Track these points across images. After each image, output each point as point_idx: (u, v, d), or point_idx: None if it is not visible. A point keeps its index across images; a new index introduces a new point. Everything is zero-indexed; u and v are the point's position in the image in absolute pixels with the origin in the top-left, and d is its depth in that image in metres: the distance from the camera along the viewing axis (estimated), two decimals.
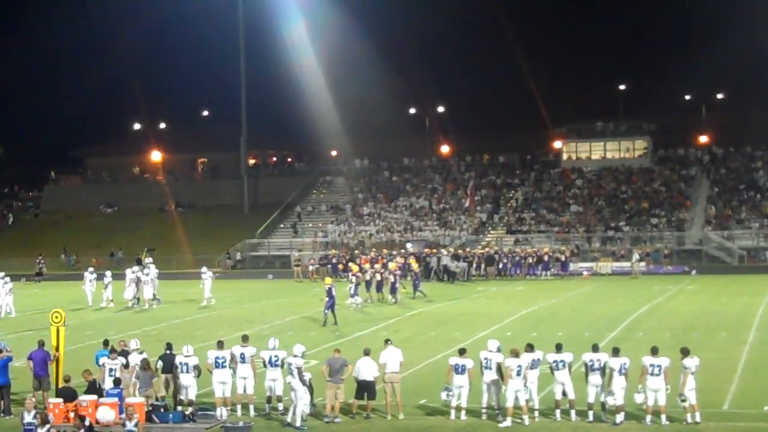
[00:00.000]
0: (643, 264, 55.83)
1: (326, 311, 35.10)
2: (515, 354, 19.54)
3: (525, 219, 68.82)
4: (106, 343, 22.36)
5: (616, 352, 19.45)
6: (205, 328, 34.16)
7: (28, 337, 30.04)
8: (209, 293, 43.61)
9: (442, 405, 20.10)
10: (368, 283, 42.54)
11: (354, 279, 41.63)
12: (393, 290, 42.27)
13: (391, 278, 42.49)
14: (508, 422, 19.26)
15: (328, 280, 37.11)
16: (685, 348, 19.40)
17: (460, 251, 56.73)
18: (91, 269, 46.30)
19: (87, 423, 17.44)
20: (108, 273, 45.10)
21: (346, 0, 79.15)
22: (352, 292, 41.05)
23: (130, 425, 17.52)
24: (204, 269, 45.10)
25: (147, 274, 43.64)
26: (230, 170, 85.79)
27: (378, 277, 42.93)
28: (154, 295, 43.58)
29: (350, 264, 47.74)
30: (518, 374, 19.28)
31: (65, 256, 68.82)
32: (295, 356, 19.80)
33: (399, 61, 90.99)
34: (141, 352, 21.20)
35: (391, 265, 44.22)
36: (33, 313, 40.44)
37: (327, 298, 35.20)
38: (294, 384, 19.52)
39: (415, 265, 46.13)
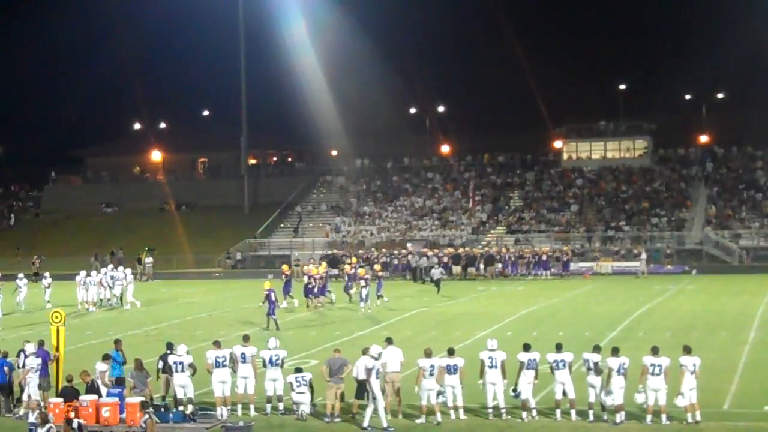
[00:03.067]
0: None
1: (268, 316, 33.71)
2: (428, 354, 19.87)
3: (525, 219, 68.83)
4: (116, 342, 22.16)
5: (615, 351, 19.47)
6: (205, 328, 34.17)
7: (27, 337, 29.99)
8: (132, 297, 42.31)
9: (440, 406, 20.10)
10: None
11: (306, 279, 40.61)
12: (317, 293, 40.30)
13: (312, 282, 40.30)
14: (429, 419, 19.53)
15: (267, 284, 35.02)
16: (686, 346, 19.42)
17: (427, 250, 56.65)
18: (21, 275, 44.11)
19: (75, 425, 17.43)
20: (47, 274, 44.55)
21: (346, 0, 79.30)
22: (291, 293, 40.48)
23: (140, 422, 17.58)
24: (121, 270, 43.60)
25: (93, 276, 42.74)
26: (230, 170, 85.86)
27: (306, 279, 40.84)
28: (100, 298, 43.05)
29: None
30: (431, 374, 19.61)
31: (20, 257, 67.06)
32: (373, 357, 19.75)
33: (399, 61, 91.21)
34: (37, 356, 21.27)
35: (315, 269, 41.54)
36: (32, 313, 40.49)
37: (267, 303, 33.84)
38: (374, 386, 19.47)
39: (348, 269, 43.95)
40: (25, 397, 20.88)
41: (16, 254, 68.02)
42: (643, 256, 55.08)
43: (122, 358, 21.40)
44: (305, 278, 41.04)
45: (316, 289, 40.34)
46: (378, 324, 34.79)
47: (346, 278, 43.45)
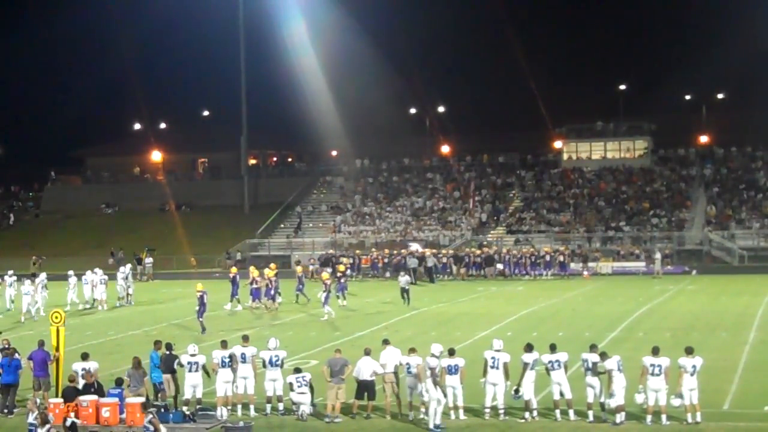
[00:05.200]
0: (643, 264, 55.88)
1: (201, 319, 33.36)
2: (410, 352, 20.17)
3: (525, 219, 68.82)
4: (156, 343, 21.84)
5: (604, 356, 19.44)
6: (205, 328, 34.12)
7: (28, 337, 30.04)
8: (10, 301, 39.99)
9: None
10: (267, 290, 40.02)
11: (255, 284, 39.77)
12: (267, 296, 39.75)
13: (255, 285, 39.98)
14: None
15: (200, 285, 34.11)
16: (688, 347, 19.40)
17: (425, 250, 56.26)
18: (11, 272, 42.77)
19: (68, 423, 17.47)
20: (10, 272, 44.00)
21: (346, 0, 79.30)
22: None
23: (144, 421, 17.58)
24: (9, 273, 41.53)
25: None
26: (230, 170, 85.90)
27: (256, 283, 40.12)
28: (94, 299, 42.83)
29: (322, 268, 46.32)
30: (408, 372, 19.89)
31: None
32: (434, 356, 19.53)
33: (399, 61, 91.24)
34: None
35: (268, 272, 40.43)
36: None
37: (198, 306, 33.50)
38: (428, 386, 19.27)
39: (299, 270, 43.37)
40: None
41: None
42: (657, 256, 54.90)
43: (159, 360, 21.09)
44: (254, 283, 40.16)
45: (263, 291, 39.62)
46: (378, 324, 34.78)
47: (297, 279, 42.88)
